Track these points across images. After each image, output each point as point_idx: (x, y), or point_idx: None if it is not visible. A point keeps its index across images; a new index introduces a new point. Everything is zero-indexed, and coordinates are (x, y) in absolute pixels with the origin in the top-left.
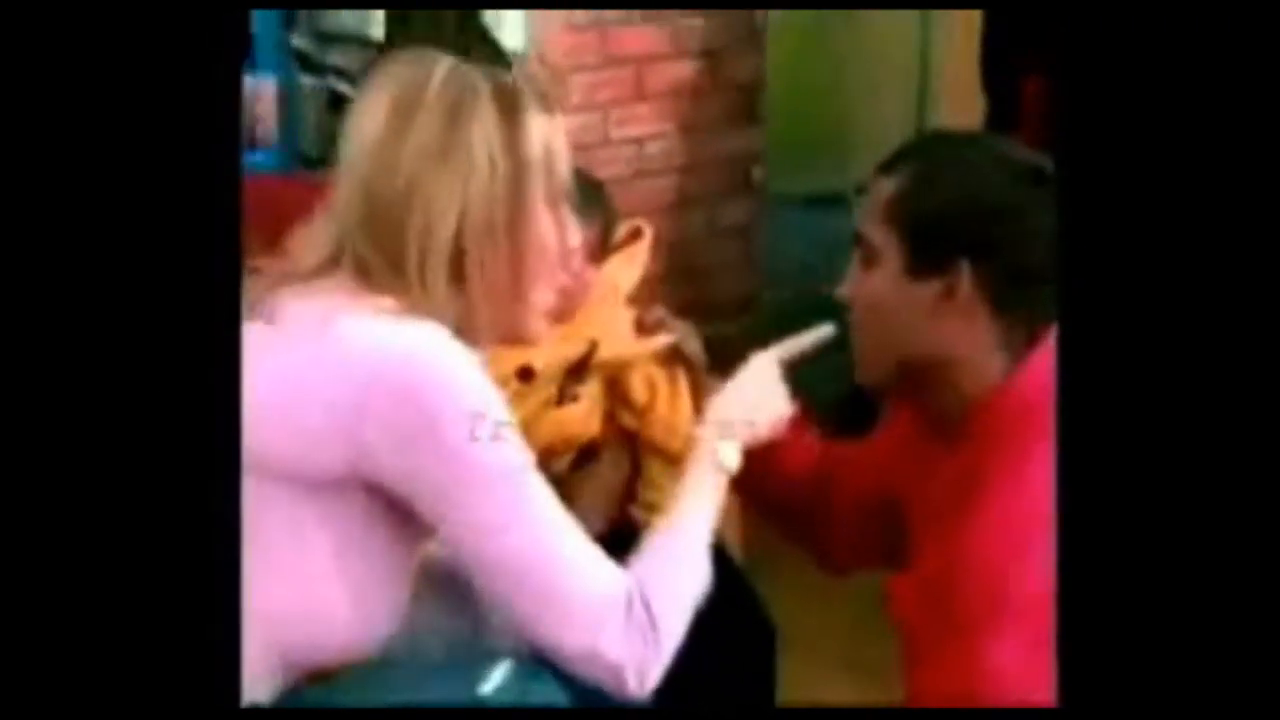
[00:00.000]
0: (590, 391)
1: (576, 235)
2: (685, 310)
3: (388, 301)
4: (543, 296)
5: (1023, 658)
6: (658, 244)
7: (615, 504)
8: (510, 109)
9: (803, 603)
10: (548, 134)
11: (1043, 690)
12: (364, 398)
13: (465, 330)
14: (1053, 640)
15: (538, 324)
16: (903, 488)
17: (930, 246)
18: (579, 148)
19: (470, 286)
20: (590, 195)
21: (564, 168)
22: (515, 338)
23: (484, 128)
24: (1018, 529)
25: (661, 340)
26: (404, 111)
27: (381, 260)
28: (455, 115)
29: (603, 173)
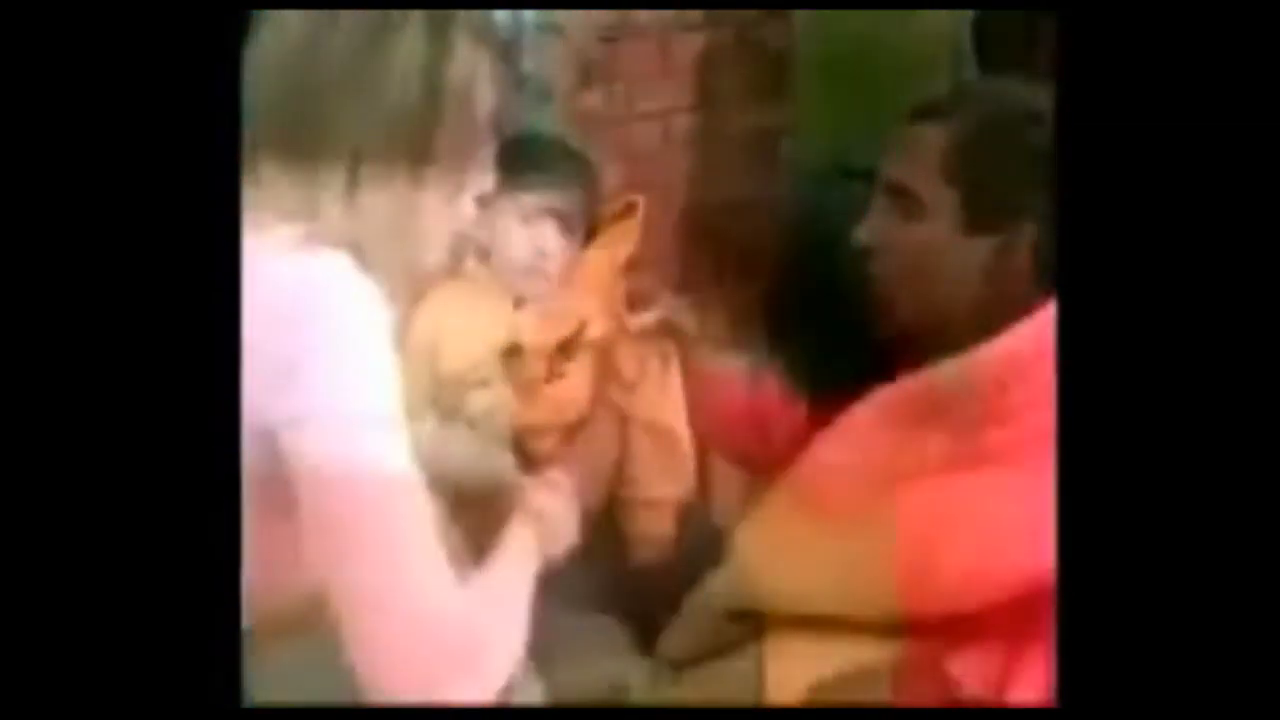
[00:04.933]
0: (578, 369)
1: (488, 182)
2: (710, 285)
3: (293, 229)
4: (441, 239)
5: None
6: (683, 218)
7: (603, 482)
8: (439, 32)
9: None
10: (474, 68)
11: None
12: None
13: (366, 260)
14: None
15: (434, 267)
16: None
17: (995, 205)
18: (602, 121)
19: (363, 216)
20: (572, 167)
21: (485, 109)
22: (410, 277)
23: (407, 48)
24: (999, 502)
25: (651, 316)
26: (324, 26)
27: (287, 181)
28: (380, 33)
29: (627, 147)
